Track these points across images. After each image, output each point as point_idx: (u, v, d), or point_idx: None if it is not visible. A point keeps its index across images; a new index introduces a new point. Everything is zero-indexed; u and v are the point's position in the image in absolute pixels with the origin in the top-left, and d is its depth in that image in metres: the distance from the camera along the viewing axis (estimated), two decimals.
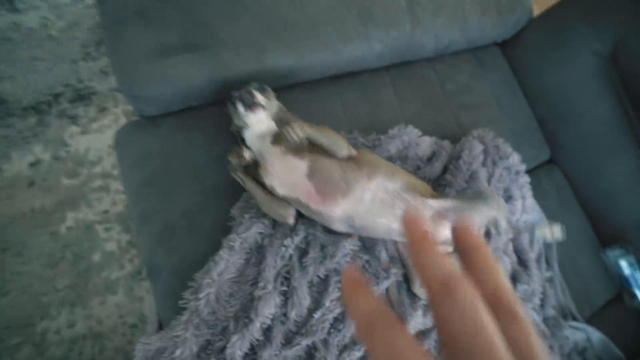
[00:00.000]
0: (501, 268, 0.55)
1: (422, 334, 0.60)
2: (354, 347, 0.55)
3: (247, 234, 0.56)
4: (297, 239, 0.59)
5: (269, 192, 0.57)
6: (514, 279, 0.71)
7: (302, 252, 0.60)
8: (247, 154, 0.56)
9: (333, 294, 0.57)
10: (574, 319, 0.78)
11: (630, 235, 0.88)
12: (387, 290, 0.61)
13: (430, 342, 0.60)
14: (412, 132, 0.72)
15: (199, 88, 0.63)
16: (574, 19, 0.89)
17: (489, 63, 0.95)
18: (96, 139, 1.14)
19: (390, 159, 0.69)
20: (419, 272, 0.17)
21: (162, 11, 0.59)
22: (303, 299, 0.56)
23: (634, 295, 0.84)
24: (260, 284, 0.55)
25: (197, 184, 0.63)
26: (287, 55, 0.66)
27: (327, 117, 0.71)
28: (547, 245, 0.79)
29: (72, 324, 1.00)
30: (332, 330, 0.56)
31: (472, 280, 0.17)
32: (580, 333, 0.75)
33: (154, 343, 0.54)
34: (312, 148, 0.55)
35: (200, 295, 0.53)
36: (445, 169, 0.73)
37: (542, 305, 0.73)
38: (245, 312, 0.54)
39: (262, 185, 0.57)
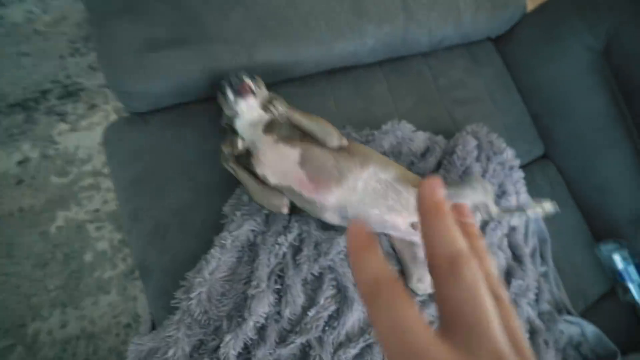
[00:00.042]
0: (489, 256, 0.56)
1: None
2: (349, 345, 0.55)
3: (238, 231, 0.56)
4: (291, 237, 0.58)
5: (262, 181, 0.56)
6: (509, 274, 0.72)
7: (296, 250, 0.59)
8: (240, 143, 0.55)
9: (327, 291, 0.57)
10: (569, 313, 0.78)
11: (624, 229, 0.89)
12: None
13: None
14: (406, 127, 0.72)
15: (189, 83, 0.61)
16: (568, 14, 0.89)
17: (483, 58, 0.95)
18: (86, 136, 1.12)
19: (383, 154, 0.68)
20: (426, 243, 0.17)
21: (150, 4, 0.57)
22: (297, 297, 0.55)
23: (627, 289, 0.85)
24: (254, 283, 0.54)
25: (188, 181, 0.62)
26: (278, 50, 0.65)
27: (320, 113, 0.68)
28: (541, 240, 0.80)
29: (65, 324, 0.99)
30: (326, 328, 0.55)
31: (429, 241, 0.17)
32: (574, 327, 0.76)
33: (147, 343, 0.53)
34: (304, 137, 0.55)
35: (192, 295, 0.52)
36: (439, 165, 0.73)
37: (536, 300, 0.73)
38: (238, 311, 0.54)
39: (254, 175, 0.57)
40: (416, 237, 0.58)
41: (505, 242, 0.73)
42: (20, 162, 1.06)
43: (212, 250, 0.55)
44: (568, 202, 0.94)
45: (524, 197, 0.77)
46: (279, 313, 0.55)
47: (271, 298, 0.54)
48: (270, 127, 0.56)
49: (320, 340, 0.55)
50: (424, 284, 0.60)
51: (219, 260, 0.54)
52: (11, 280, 0.99)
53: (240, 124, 0.58)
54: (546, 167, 0.95)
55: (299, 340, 0.53)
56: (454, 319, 0.15)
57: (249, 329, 0.51)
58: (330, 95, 0.74)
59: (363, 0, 0.71)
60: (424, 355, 0.14)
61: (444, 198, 0.18)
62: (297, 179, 0.53)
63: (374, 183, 0.54)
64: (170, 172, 0.63)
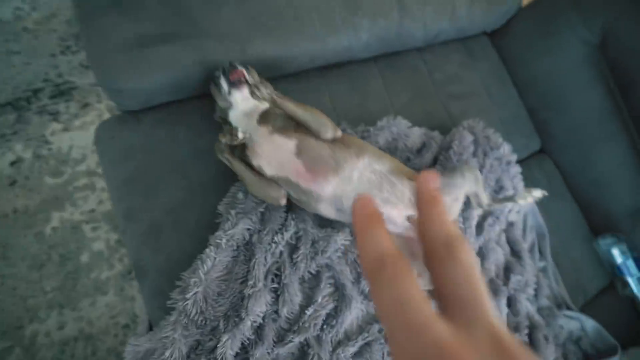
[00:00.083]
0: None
1: None
2: (348, 343, 0.55)
3: (233, 230, 0.55)
4: (287, 235, 0.58)
5: (258, 173, 0.56)
6: (508, 269, 0.71)
7: (293, 248, 0.59)
8: (240, 133, 0.53)
9: (325, 289, 0.56)
10: (568, 308, 0.78)
11: (622, 223, 0.89)
12: None
13: None
14: (401, 123, 0.71)
15: (181, 80, 0.61)
16: (563, 8, 0.88)
17: (479, 53, 0.94)
18: (79, 136, 1.11)
19: None
20: (422, 229, 0.18)
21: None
22: (294, 295, 0.55)
23: (626, 284, 0.85)
24: (250, 282, 0.53)
25: (182, 179, 0.62)
26: (271, 45, 0.64)
27: None
28: (540, 236, 0.80)
29: (62, 326, 0.98)
30: (325, 327, 0.55)
31: (425, 227, 0.18)
32: (574, 322, 0.76)
33: (143, 344, 0.53)
34: (298, 128, 0.54)
35: (188, 295, 0.51)
36: (435, 160, 0.73)
37: (535, 296, 0.73)
38: (235, 311, 0.53)
39: (250, 167, 0.56)
40: (413, 232, 0.58)
41: (503, 238, 0.73)
42: (13, 163, 1.05)
43: (207, 250, 0.54)
44: (565, 196, 0.94)
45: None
46: (276, 312, 0.55)
47: (268, 297, 0.54)
48: (264, 118, 0.55)
49: (318, 338, 0.54)
50: (423, 279, 0.60)
51: (215, 260, 0.54)
52: (7, 282, 0.98)
53: (234, 116, 0.57)
54: (543, 162, 0.95)
55: (297, 339, 0.53)
56: (451, 299, 0.16)
57: (246, 329, 0.51)
58: (325, 91, 0.73)
59: None
60: (425, 330, 0.14)
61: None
62: (294, 169, 0.53)
63: (368, 174, 0.54)
64: (163, 170, 0.62)
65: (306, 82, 0.73)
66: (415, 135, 0.72)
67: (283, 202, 0.56)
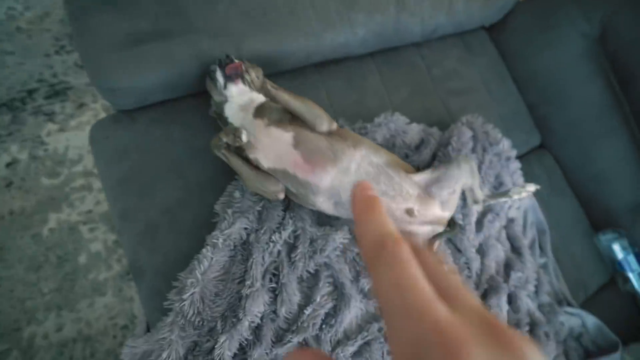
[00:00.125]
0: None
1: None
2: (347, 342, 0.54)
3: (230, 230, 0.54)
4: (285, 234, 0.57)
5: (255, 167, 0.55)
6: (508, 266, 0.71)
7: (291, 247, 0.58)
8: (244, 137, 0.52)
9: (324, 289, 0.56)
10: (569, 304, 0.78)
11: (622, 218, 0.88)
12: None
13: None
14: (399, 119, 0.71)
15: (175, 78, 0.60)
16: (562, 0, 0.88)
17: (477, 48, 0.93)
18: (75, 136, 1.10)
19: None
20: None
21: None
22: (293, 295, 0.55)
23: (627, 279, 0.85)
24: (248, 282, 0.53)
25: (178, 179, 0.61)
26: (267, 41, 0.63)
27: None
28: (540, 232, 0.79)
29: (60, 327, 0.98)
30: (324, 326, 0.55)
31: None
32: (575, 318, 0.75)
33: (140, 346, 0.52)
34: (294, 121, 0.54)
35: (185, 296, 0.51)
36: (434, 157, 0.72)
37: (536, 292, 0.72)
38: (233, 311, 0.53)
39: (246, 162, 0.55)
40: (412, 227, 0.58)
41: (503, 234, 0.73)
42: (8, 164, 1.04)
43: (204, 250, 0.54)
44: (566, 192, 0.93)
45: None
46: (274, 312, 0.54)
47: (266, 297, 0.53)
48: (260, 111, 0.55)
49: (317, 338, 0.54)
50: None
51: (212, 260, 0.53)
52: (4, 284, 0.97)
53: (229, 110, 0.57)
54: (543, 157, 0.94)
55: (296, 339, 0.52)
56: (386, 296, 0.15)
57: (244, 329, 0.51)
58: (322, 87, 0.73)
59: None
60: (426, 312, 0.14)
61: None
62: (291, 161, 0.52)
63: (366, 166, 0.54)
64: (159, 170, 0.61)
65: (303, 79, 0.72)
66: (414, 131, 0.71)
67: (281, 196, 0.56)
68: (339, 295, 0.57)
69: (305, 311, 0.54)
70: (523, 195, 0.62)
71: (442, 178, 0.58)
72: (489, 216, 0.70)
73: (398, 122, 0.70)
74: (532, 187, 0.62)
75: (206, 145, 0.57)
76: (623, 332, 0.75)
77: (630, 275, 0.84)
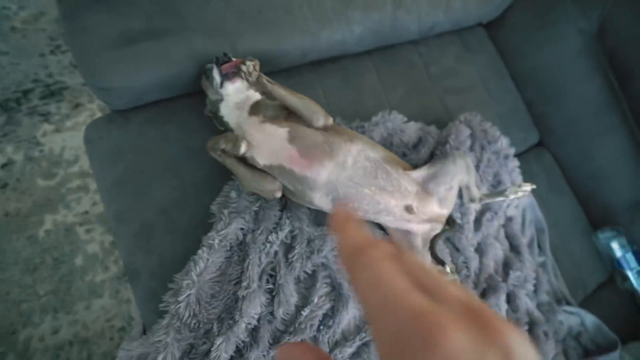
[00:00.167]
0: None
1: None
2: (346, 344, 0.54)
3: (226, 230, 0.54)
4: (282, 234, 0.57)
5: (251, 166, 0.55)
6: (507, 265, 0.71)
7: (288, 248, 0.58)
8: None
9: (321, 289, 0.55)
10: (568, 303, 0.77)
11: (621, 216, 0.88)
12: None
13: None
14: (397, 118, 0.70)
15: (169, 77, 0.59)
16: None
17: (475, 45, 0.93)
18: (71, 136, 1.09)
19: None
20: (339, 253, 0.18)
21: None
22: (290, 296, 0.54)
23: (626, 277, 0.84)
24: (244, 283, 0.52)
25: (174, 179, 0.60)
26: (262, 40, 0.62)
27: None
28: (539, 230, 0.79)
29: (57, 330, 0.97)
30: (321, 327, 0.54)
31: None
32: (574, 317, 0.75)
33: (136, 349, 0.52)
34: (290, 117, 0.54)
35: (180, 298, 0.50)
36: (431, 156, 0.71)
37: (535, 291, 0.72)
38: (229, 313, 0.52)
39: (242, 161, 0.55)
40: (411, 225, 0.57)
41: (502, 233, 0.72)
42: (4, 166, 1.03)
43: (199, 251, 0.53)
44: (564, 190, 0.93)
45: None
46: (271, 313, 0.54)
47: (263, 298, 0.53)
48: (255, 108, 0.55)
49: (315, 339, 0.54)
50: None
51: (207, 261, 0.53)
52: (0, 287, 0.96)
53: (225, 108, 0.56)
54: (541, 155, 0.94)
55: (294, 340, 0.52)
56: (367, 299, 0.16)
57: (240, 331, 0.50)
58: (319, 86, 0.72)
59: None
60: (400, 301, 0.15)
61: (352, 214, 0.20)
62: (287, 156, 0.52)
63: (363, 160, 0.53)
64: (154, 170, 0.61)
65: (299, 78, 0.71)
66: (411, 130, 0.71)
67: (278, 194, 0.55)
68: (337, 296, 0.56)
69: (302, 312, 0.54)
70: (519, 194, 0.62)
71: (438, 174, 0.58)
72: (488, 215, 0.70)
73: (395, 121, 0.70)
74: (528, 187, 0.62)
75: (202, 145, 0.57)
76: (622, 330, 0.75)
77: (629, 274, 0.84)
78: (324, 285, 0.56)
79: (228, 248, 0.55)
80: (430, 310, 0.14)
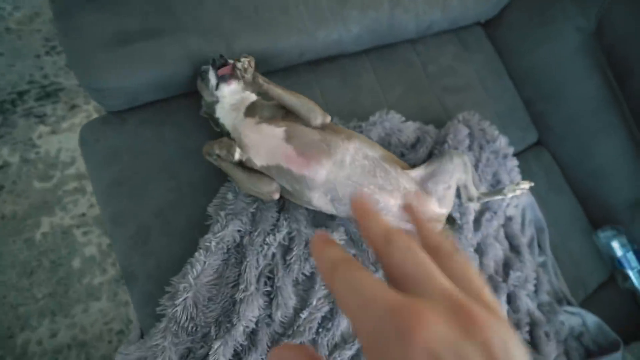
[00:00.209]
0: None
1: None
2: (345, 346, 0.53)
3: (223, 232, 0.53)
4: (280, 236, 0.56)
5: (247, 168, 0.54)
6: (507, 265, 0.70)
7: (286, 250, 0.57)
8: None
9: (320, 291, 0.55)
10: (569, 303, 0.77)
11: (621, 215, 0.88)
12: None
13: None
14: (395, 117, 0.70)
15: (164, 78, 0.59)
16: None
17: (473, 44, 0.92)
18: (67, 138, 1.08)
19: None
20: (365, 238, 0.20)
21: None
22: (288, 298, 0.54)
23: (626, 277, 0.84)
24: (242, 286, 0.52)
25: (170, 180, 0.60)
26: (258, 39, 0.62)
27: None
28: (538, 229, 0.78)
29: (55, 333, 0.96)
30: (320, 330, 0.54)
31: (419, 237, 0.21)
32: (575, 318, 0.74)
33: (133, 353, 0.51)
34: (287, 117, 0.54)
35: (177, 301, 0.50)
36: (430, 155, 0.71)
37: (536, 291, 0.72)
38: (227, 316, 0.52)
39: (239, 163, 0.55)
40: (411, 224, 0.57)
41: (501, 233, 0.72)
42: (0, 168, 1.02)
43: (196, 254, 0.53)
44: (564, 189, 0.93)
45: None
46: (270, 316, 0.53)
47: (261, 301, 0.52)
48: (251, 109, 0.54)
49: (314, 342, 0.53)
50: None
51: (204, 264, 0.52)
52: None
53: (221, 110, 0.56)
54: (540, 154, 0.93)
55: (292, 343, 0.51)
56: (400, 279, 0.17)
57: (238, 335, 0.50)
58: (316, 86, 0.72)
59: None
60: (376, 299, 0.15)
61: (372, 205, 0.21)
62: (284, 155, 0.51)
63: (361, 159, 0.53)
64: (150, 172, 0.60)
65: (296, 78, 0.71)
66: (409, 129, 0.70)
67: (276, 196, 0.55)
68: (343, 311, 0.55)
69: (301, 315, 0.53)
70: (517, 192, 0.62)
71: (436, 172, 0.57)
72: (487, 215, 0.69)
73: (393, 121, 0.69)
74: (526, 184, 0.62)
75: (198, 146, 0.56)
76: (623, 330, 0.74)
77: (630, 273, 0.83)
78: (323, 288, 0.55)
79: (225, 250, 0.54)
80: (407, 303, 0.14)
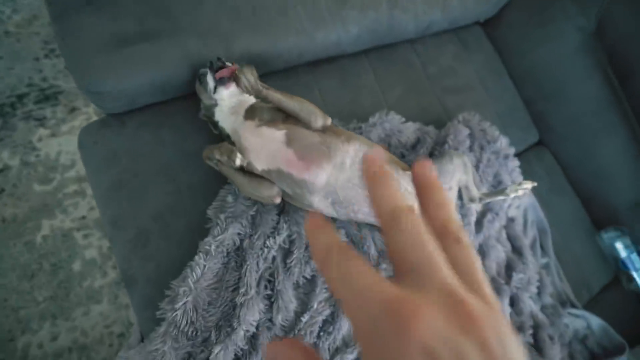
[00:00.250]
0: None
1: None
2: (346, 350, 0.53)
3: (223, 236, 0.53)
4: (280, 239, 0.56)
5: (248, 172, 0.54)
6: (509, 267, 0.69)
7: (286, 253, 0.57)
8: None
9: (321, 295, 0.54)
10: (573, 305, 0.76)
11: (624, 215, 0.87)
12: None
13: None
14: (395, 118, 0.69)
15: (163, 80, 0.58)
16: None
17: (473, 44, 0.92)
18: (67, 141, 1.08)
19: None
20: (373, 206, 0.19)
21: None
22: (289, 302, 0.53)
23: (631, 278, 0.83)
24: (242, 290, 0.51)
25: (169, 183, 0.60)
26: (257, 41, 0.62)
27: None
28: (541, 231, 0.78)
29: (55, 337, 0.96)
30: (321, 334, 0.53)
31: (426, 213, 0.19)
32: (580, 320, 0.73)
33: (133, 357, 0.51)
34: (287, 120, 0.53)
35: (177, 305, 0.49)
36: (430, 156, 0.70)
37: (539, 294, 0.71)
38: (227, 320, 0.51)
39: (240, 167, 0.54)
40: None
41: (504, 234, 0.71)
42: (0, 171, 1.02)
43: (196, 257, 0.52)
44: (566, 189, 0.92)
45: None
46: (270, 320, 0.53)
47: (261, 305, 0.52)
48: (251, 112, 0.54)
49: (315, 346, 0.53)
50: None
51: (204, 268, 0.52)
52: None
53: (219, 114, 0.56)
54: (542, 154, 0.93)
55: None
56: (401, 264, 0.17)
57: (239, 339, 0.49)
58: (315, 87, 0.71)
59: None
60: (371, 291, 0.15)
61: (386, 167, 0.20)
62: (284, 159, 0.51)
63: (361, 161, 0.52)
64: (149, 174, 0.60)
65: (295, 79, 0.71)
66: (409, 130, 0.70)
67: (277, 200, 0.54)
68: (337, 301, 0.55)
69: (302, 318, 0.53)
70: (520, 193, 0.61)
71: (438, 172, 0.57)
72: (489, 216, 0.69)
73: (393, 122, 0.69)
74: (528, 184, 0.61)
75: (197, 149, 0.56)
76: (628, 333, 0.74)
77: (635, 274, 0.82)
78: (324, 290, 0.55)
79: (225, 254, 0.54)
80: (403, 297, 0.14)
